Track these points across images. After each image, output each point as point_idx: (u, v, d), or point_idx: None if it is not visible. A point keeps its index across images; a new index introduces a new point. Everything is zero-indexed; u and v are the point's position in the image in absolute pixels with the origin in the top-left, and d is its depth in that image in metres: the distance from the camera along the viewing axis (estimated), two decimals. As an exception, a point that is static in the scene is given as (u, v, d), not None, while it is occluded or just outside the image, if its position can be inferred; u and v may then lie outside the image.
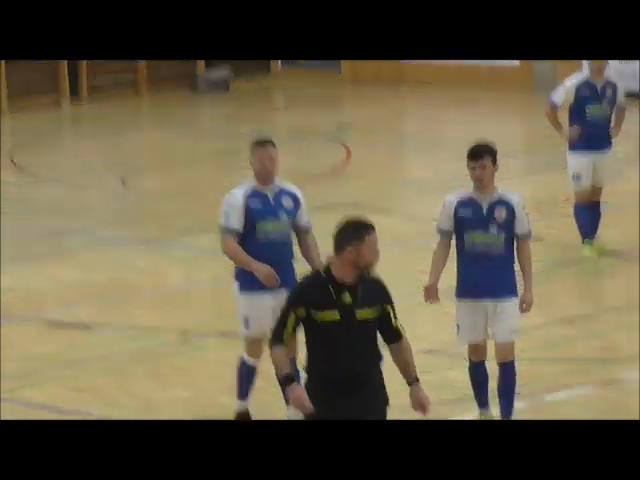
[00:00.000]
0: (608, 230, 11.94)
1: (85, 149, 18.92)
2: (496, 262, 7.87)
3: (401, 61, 18.59)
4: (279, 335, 5.20)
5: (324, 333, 5.22)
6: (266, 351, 7.08)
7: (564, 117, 11.60)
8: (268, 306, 7.73)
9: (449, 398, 8.94)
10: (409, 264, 12.16)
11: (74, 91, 19.53)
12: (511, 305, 7.90)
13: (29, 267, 12.80)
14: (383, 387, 5.45)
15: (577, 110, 11.28)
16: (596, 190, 11.42)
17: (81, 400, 9.25)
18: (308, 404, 5.11)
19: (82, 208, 15.01)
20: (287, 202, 8.10)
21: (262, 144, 8.22)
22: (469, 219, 7.86)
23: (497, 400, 8.05)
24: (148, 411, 8.72)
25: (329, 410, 5.24)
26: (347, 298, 5.14)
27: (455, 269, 8.14)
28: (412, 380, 5.34)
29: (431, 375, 8.93)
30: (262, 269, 7.69)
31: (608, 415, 8.11)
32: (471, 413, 8.45)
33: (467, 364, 8.68)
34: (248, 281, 7.84)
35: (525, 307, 7.91)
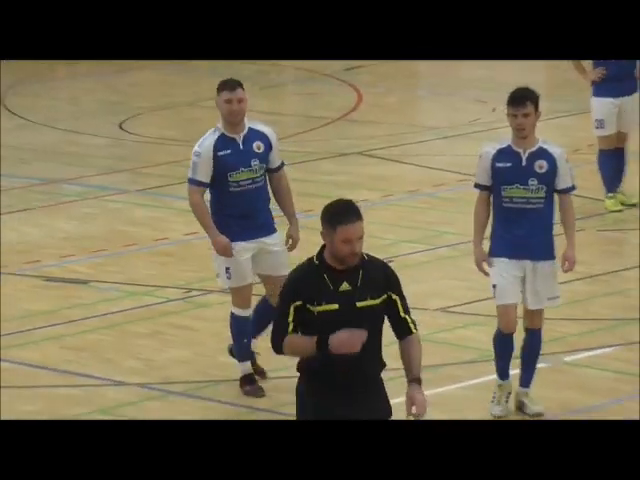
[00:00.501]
0: (633, 179, 12.12)
1: (80, 90, 19.46)
2: (535, 219, 7.95)
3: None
4: (283, 334, 4.89)
5: (320, 324, 4.84)
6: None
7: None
8: (247, 253, 8.11)
9: (465, 360, 9.26)
10: (423, 217, 12.41)
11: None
12: (550, 268, 8.01)
13: (22, 218, 12.94)
14: (386, 396, 5.13)
15: None
16: (621, 136, 11.64)
17: (79, 360, 9.47)
18: (362, 332, 4.74)
19: (77, 155, 15.16)
20: (258, 145, 8.25)
21: (229, 85, 8.30)
22: (507, 171, 7.85)
23: (518, 362, 8.29)
24: (149, 371, 9.03)
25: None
26: (345, 285, 4.85)
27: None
28: (412, 378, 4.94)
29: (446, 334, 9.82)
30: (219, 241, 8.02)
31: (628, 377, 8.84)
32: (486, 376, 8.68)
33: (483, 322, 9.29)
34: (224, 233, 8.09)
35: (567, 266, 7.96)
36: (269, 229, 8.40)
